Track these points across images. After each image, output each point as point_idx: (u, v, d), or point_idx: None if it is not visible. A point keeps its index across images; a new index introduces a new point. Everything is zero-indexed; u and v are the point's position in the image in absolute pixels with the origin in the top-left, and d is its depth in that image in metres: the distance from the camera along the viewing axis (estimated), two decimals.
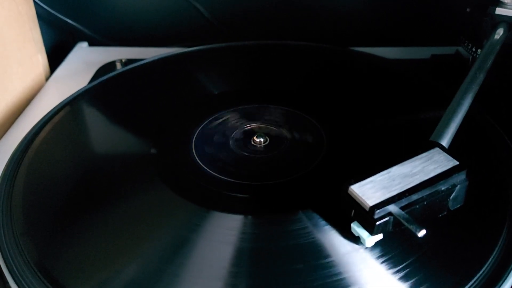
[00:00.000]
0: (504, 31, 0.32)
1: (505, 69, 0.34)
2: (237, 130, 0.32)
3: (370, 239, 0.23)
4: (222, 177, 0.28)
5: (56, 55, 0.48)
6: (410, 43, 0.49)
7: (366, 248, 0.23)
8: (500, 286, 0.22)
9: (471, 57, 0.39)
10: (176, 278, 0.22)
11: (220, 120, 0.33)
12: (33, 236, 0.25)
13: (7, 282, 0.24)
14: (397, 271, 0.23)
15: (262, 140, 0.31)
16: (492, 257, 0.23)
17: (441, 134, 0.26)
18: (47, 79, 0.44)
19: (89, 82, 0.41)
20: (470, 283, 0.22)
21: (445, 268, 0.23)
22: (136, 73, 0.39)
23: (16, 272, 0.23)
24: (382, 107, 0.34)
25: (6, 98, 0.39)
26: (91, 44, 0.50)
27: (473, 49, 0.38)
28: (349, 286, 0.22)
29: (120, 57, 0.45)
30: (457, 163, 0.23)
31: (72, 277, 0.23)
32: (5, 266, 0.24)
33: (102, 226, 0.26)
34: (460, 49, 0.43)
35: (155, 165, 0.29)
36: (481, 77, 0.29)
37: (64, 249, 0.24)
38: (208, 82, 0.38)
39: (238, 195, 0.27)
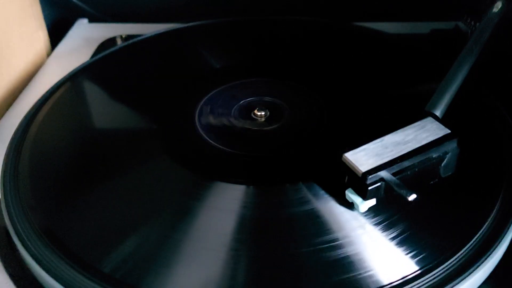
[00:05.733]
0: (503, 5, 0.32)
1: (502, 41, 0.34)
2: (238, 104, 0.33)
3: (364, 205, 0.23)
4: (225, 148, 0.29)
5: (56, 32, 0.48)
6: (410, 18, 0.49)
7: (364, 216, 0.24)
8: (490, 255, 0.23)
9: (470, 31, 0.39)
10: (180, 243, 0.23)
11: (222, 94, 0.34)
12: (40, 204, 0.26)
13: (17, 250, 0.25)
14: (393, 238, 0.23)
15: (263, 113, 0.31)
16: (484, 225, 0.24)
17: (435, 104, 0.26)
18: (48, 55, 0.45)
19: (90, 58, 0.41)
20: (463, 249, 0.23)
21: (437, 234, 0.24)
22: (137, 48, 0.39)
23: (25, 238, 0.24)
24: (382, 79, 0.34)
25: (9, 73, 0.40)
26: (91, 20, 0.50)
27: (472, 23, 0.38)
28: (346, 251, 0.23)
29: (120, 33, 0.45)
30: (449, 131, 0.24)
31: (80, 243, 0.24)
32: (14, 233, 0.25)
33: (108, 194, 0.26)
34: (460, 23, 0.43)
35: (159, 137, 0.30)
36: (477, 49, 0.30)
37: (72, 216, 0.25)
38: (209, 57, 0.38)
39: (240, 166, 0.28)
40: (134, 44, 0.40)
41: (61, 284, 0.22)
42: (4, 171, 0.28)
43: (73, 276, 0.23)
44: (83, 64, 0.37)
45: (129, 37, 0.44)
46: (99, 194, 0.27)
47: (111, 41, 0.44)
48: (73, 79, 0.36)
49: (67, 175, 0.28)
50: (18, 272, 0.25)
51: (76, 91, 0.35)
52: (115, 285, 0.22)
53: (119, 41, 0.44)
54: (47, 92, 0.34)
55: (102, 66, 0.38)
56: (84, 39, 0.46)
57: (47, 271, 0.23)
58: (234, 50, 0.39)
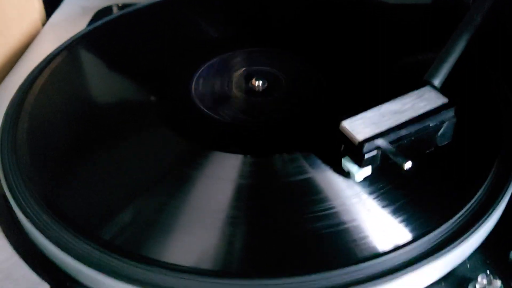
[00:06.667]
0: None
1: (503, 11, 0.34)
2: (236, 73, 0.32)
3: (359, 174, 0.24)
4: (222, 119, 0.29)
5: (51, 0, 0.47)
6: None
7: (359, 185, 0.24)
8: (483, 223, 0.23)
9: (471, 1, 0.38)
10: (178, 211, 0.24)
11: (219, 63, 0.33)
12: (39, 172, 0.26)
13: (17, 217, 0.26)
14: (387, 206, 0.24)
15: (260, 82, 0.31)
16: (478, 194, 0.24)
17: (434, 74, 0.26)
18: (43, 24, 0.44)
19: (86, 27, 0.40)
20: (456, 217, 0.23)
21: (432, 203, 0.24)
22: (133, 17, 0.39)
23: (25, 206, 0.25)
24: (382, 49, 0.34)
25: (4, 42, 0.39)
26: None
27: None
28: (342, 219, 0.23)
29: (116, 2, 0.44)
30: (447, 100, 0.24)
31: (81, 211, 0.24)
32: (13, 201, 0.25)
33: (107, 163, 0.27)
34: None
35: (156, 107, 0.30)
36: (478, 19, 0.29)
37: (72, 185, 0.26)
38: (207, 26, 0.38)
39: (237, 135, 0.28)
40: (130, 13, 0.39)
41: (63, 250, 0.23)
42: (1, 140, 0.28)
43: (74, 242, 0.23)
44: (79, 33, 0.37)
45: (125, 6, 0.43)
46: (98, 162, 0.27)
47: (107, 10, 0.43)
48: (69, 48, 0.35)
49: (66, 144, 0.28)
50: (18, 239, 0.26)
51: (73, 60, 0.35)
52: (115, 252, 0.22)
53: (115, 10, 0.43)
54: (43, 61, 0.34)
55: (99, 35, 0.37)
56: (79, 7, 0.46)
57: (49, 238, 0.23)
58: (233, 20, 0.38)
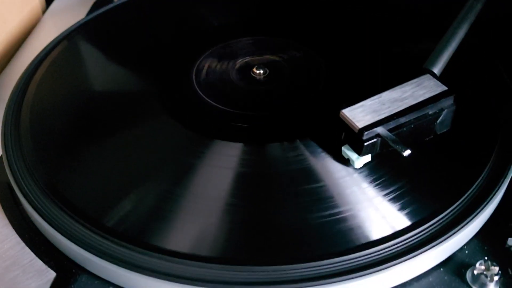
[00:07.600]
0: None
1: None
2: (237, 62, 0.32)
3: (359, 161, 0.24)
4: (224, 107, 0.29)
5: None
6: None
7: (359, 173, 0.24)
8: (482, 210, 0.24)
9: None
10: (180, 198, 0.24)
11: (221, 52, 0.33)
12: (43, 161, 0.27)
13: (21, 205, 0.26)
14: (387, 194, 0.24)
15: (261, 71, 0.31)
16: (477, 182, 0.24)
17: (433, 62, 0.26)
18: (43, 12, 0.44)
19: (86, 15, 0.40)
20: (455, 205, 0.24)
21: (431, 191, 0.24)
22: (134, 5, 0.39)
23: (29, 194, 0.25)
24: (381, 37, 0.34)
25: (4, 30, 0.39)
26: None
27: None
28: (340, 206, 0.23)
29: None
30: (446, 88, 0.24)
31: (84, 198, 0.25)
32: (18, 189, 0.26)
33: (109, 151, 0.27)
34: None
35: (158, 95, 0.30)
36: (478, 6, 0.29)
37: (76, 172, 0.26)
38: (208, 14, 0.38)
39: (239, 124, 0.28)
40: (130, 2, 0.39)
41: (66, 237, 0.23)
42: (4, 128, 0.28)
43: (78, 229, 0.23)
44: (79, 21, 0.37)
45: None
46: (101, 151, 0.27)
47: None
48: (69, 38, 0.35)
49: (68, 133, 0.28)
50: (23, 226, 0.26)
51: (73, 49, 0.35)
52: (118, 238, 0.23)
53: None
54: (43, 50, 0.34)
55: (99, 23, 0.37)
56: None
57: (52, 225, 0.24)
58: (234, 8, 0.38)
